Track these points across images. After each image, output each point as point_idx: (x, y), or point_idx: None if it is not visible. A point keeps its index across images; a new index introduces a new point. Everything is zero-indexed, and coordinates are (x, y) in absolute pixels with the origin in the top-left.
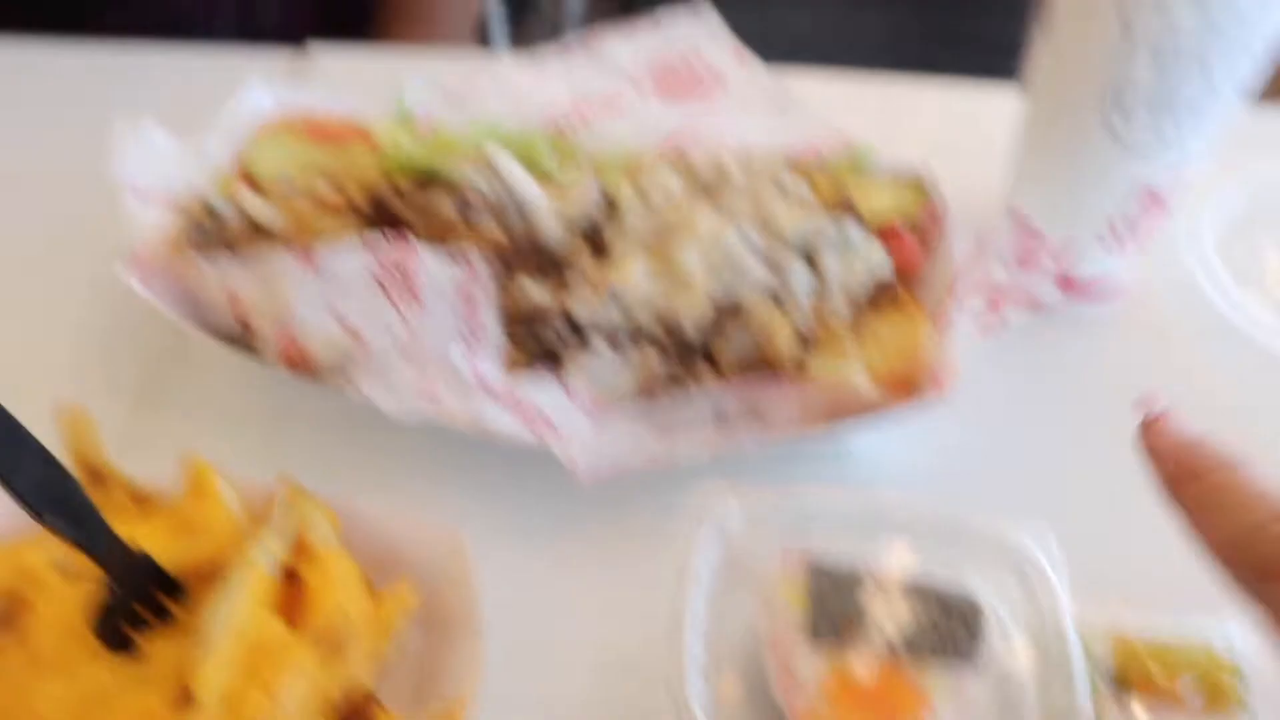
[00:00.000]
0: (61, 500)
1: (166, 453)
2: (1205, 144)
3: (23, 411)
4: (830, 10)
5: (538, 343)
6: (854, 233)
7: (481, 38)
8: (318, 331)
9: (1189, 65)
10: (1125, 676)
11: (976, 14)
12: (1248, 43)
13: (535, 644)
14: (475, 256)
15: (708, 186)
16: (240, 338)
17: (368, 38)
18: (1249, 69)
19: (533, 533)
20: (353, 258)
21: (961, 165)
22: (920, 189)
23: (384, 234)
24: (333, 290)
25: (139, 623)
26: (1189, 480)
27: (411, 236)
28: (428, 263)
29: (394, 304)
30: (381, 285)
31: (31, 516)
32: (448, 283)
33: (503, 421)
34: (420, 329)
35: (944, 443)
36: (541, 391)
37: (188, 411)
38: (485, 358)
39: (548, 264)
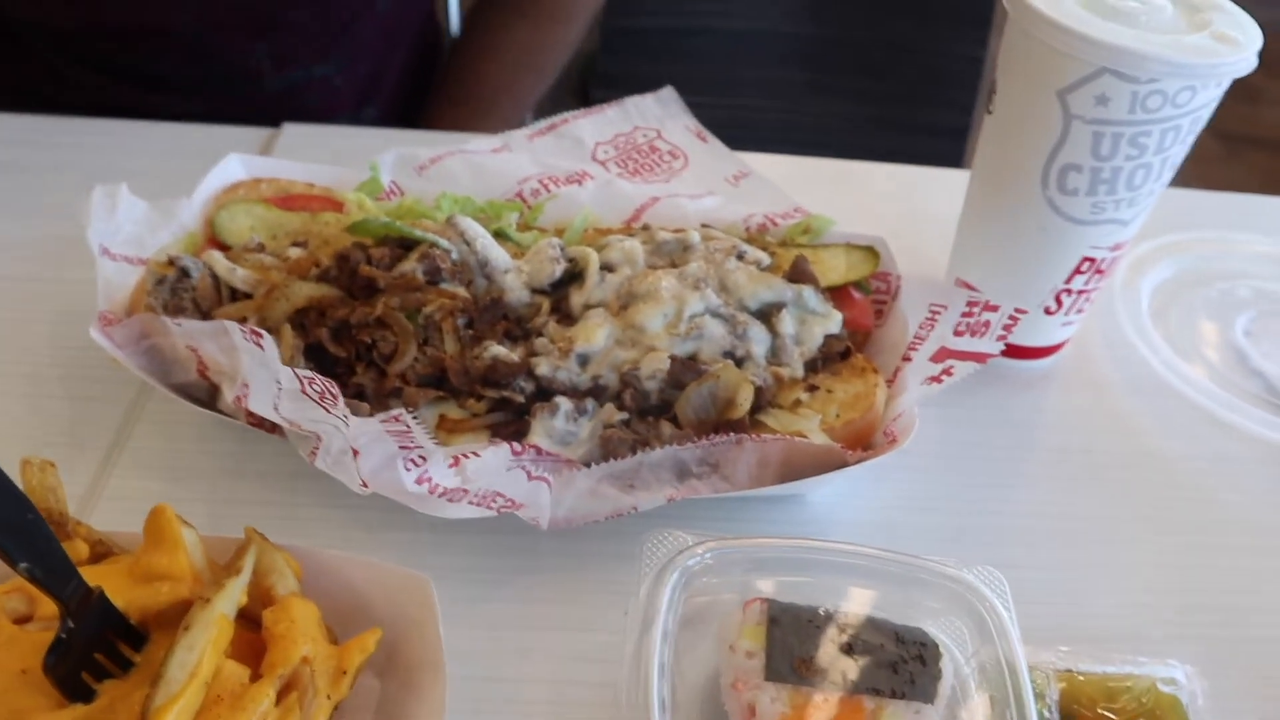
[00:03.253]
0: (36, 547)
1: (134, 505)
2: (1141, 216)
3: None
4: (795, 99)
5: (503, 402)
6: (810, 297)
7: None
8: (265, 409)
9: (1125, 146)
10: (1070, 712)
11: (932, 106)
12: (1178, 125)
13: (499, 689)
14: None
15: (670, 255)
16: (206, 394)
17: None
18: (1179, 148)
19: (497, 581)
20: (286, 373)
21: (913, 240)
22: (873, 256)
23: (312, 370)
24: (275, 382)
25: (99, 670)
26: None
27: (337, 390)
28: (351, 422)
29: (335, 415)
30: (317, 402)
31: (7, 563)
32: (377, 430)
33: (460, 512)
34: (355, 455)
35: (897, 491)
36: (495, 474)
37: (155, 466)
38: (431, 467)
39: (513, 326)
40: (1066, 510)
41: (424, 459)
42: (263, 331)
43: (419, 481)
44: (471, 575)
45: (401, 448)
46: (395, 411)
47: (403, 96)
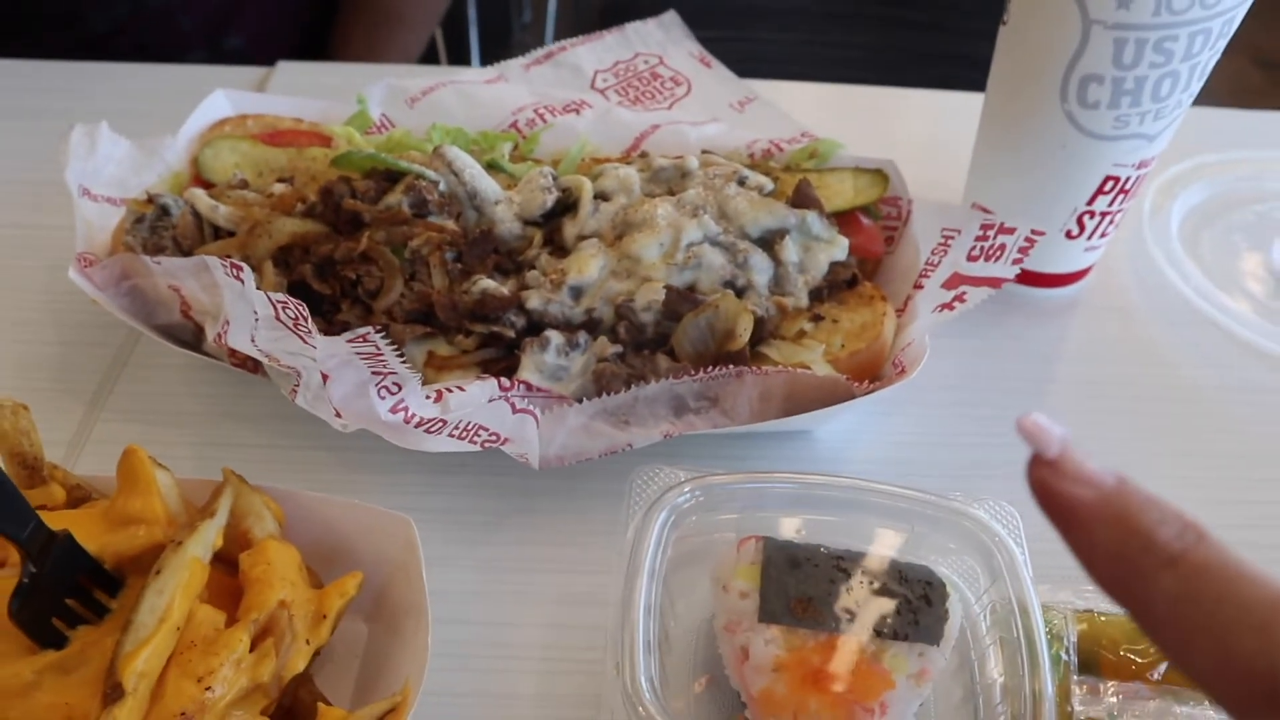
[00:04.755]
0: None
1: (120, 450)
2: (1168, 131)
3: None
4: (810, 30)
5: (493, 338)
6: (815, 222)
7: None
8: (246, 345)
9: (1150, 53)
10: (1091, 654)
11: (960, 36)
12: (1207, 28)
13: (489, 632)
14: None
15: (668, 182)
16: (191, 335)
17: (331, 56)
18: (1208, 55)
19: (489, 524)
20: (261, 298)
21: (926, 164)
22: (882, 180)
23: (288, 294)
24: (254, 315)
25: (72, 617)
26: (1138, 581)
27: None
28: (319, 343)
29: (306, 342)
30: (290, 330)
31: None
32: (342, 351)
33: (441, 444)
34: (326, 381)
35: (908, 427)
36: (477, 406)
37: (142, 410)
38: (407, 395)
39: (503, 259)
40: (1090, 445)
41: (399, 386)
42: (242, 264)
43: (394, 410)
44: (463, 517)
45: (373, 373)
46: (363, 330)
47: (287, 27)
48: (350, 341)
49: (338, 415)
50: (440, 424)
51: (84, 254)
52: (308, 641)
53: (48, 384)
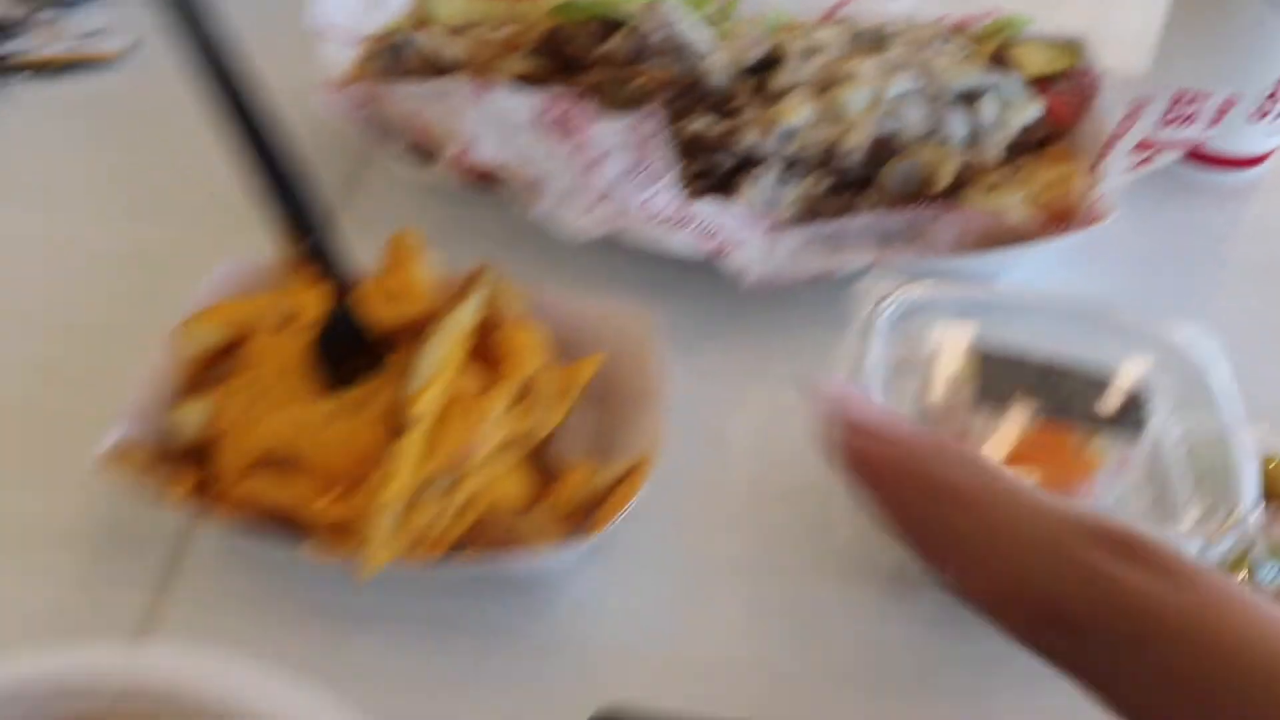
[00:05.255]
0: (320, 227)
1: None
2: None
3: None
4: None
5: (709, 174)
6: (1011, 84)
7: None
8: (492, 157)
9: None
10: (1273, 495)
11: None
12: None
13: (702, 433)
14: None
15: (869, 44)
16: (420, 158)
17: None
18: None
19: (705, 334)
20: (523, 101)
21: (1112, 45)
22: (1075, 51)
23: (554, 87)
24: (504, 127)
25: (354, 369)
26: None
27: (579, 95)
28: (595, 120)
29: (562, 145)
30: (550, 129)
31: (292, 239)
32: (616, 134)
33: (679, 242)
34: (589, 170)
35: (1093, 283)
36: (713, 210)
37: (374, 233)
38: (658, 192)
39: (716, 106)
40: (1262, 332)
41: (657, 177)
42: (492, 82)
43: (648, 202)
44: (679, 329)
45: (638, 160)
46: (649, 109)
47: None
48: (631, 124)
49: (588, 213)
50: (686, 220)
51: (329, 81)
52: (556, 411)
53: None
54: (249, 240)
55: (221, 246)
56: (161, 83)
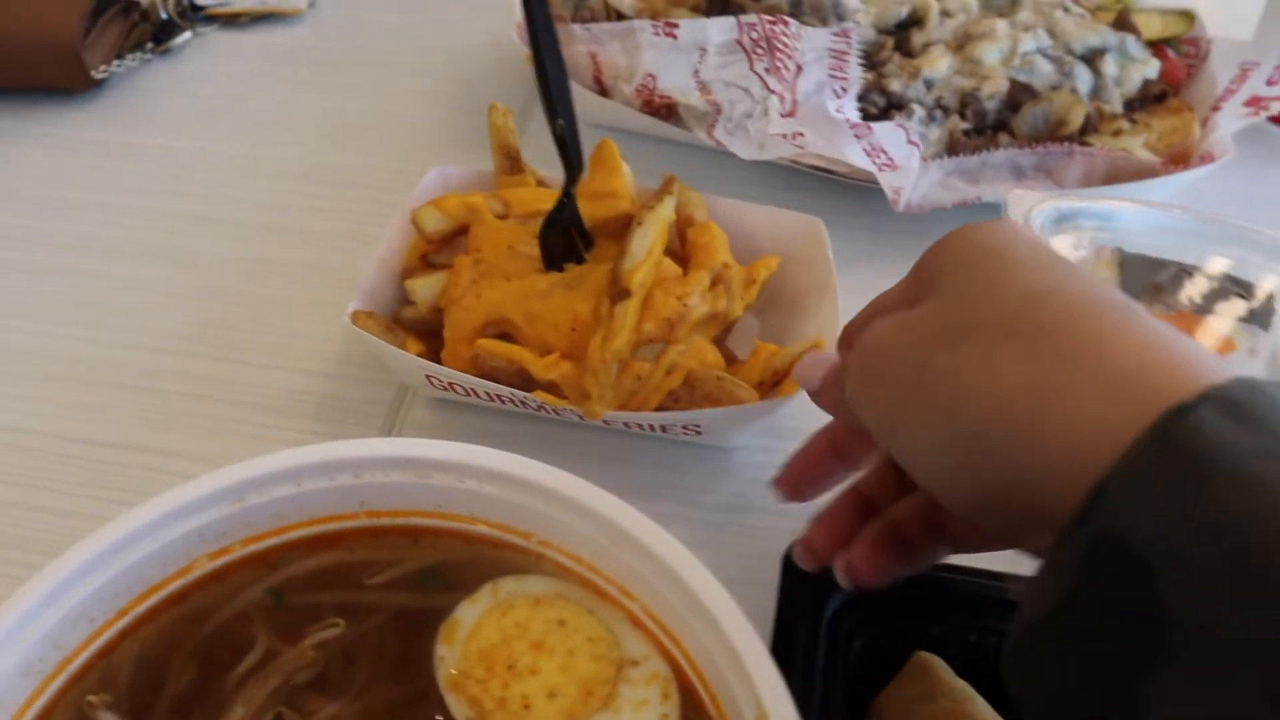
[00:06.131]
0: (569, 115)
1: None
2: None
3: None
4: None
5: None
6: (1132, 44)
7: None
8: (677, 91)
9: None
10: None
11: None
12: None
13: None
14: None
15: (999, 7)
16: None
17: None
18: None
19: (852, 256)
20: (718, 29)
21: (1218, 17)
22: (1188, 19)
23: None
24: (690, 56)
25: (566, 254)
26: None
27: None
28: (799, 34)
29: (757, 68)
30: (747, 53)
31: (550, 116)
32: (821, 45)
33: (855, 153)
34: (789, 85)
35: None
36: (885, 131)
37: (545, 160)
38: (847, 101)
39: (864, 58)
40: None
41: (845, 90)
42: (677, 21)
43: (838, 110)
44: (835, 248)
45: (832, 73)
46: (847, 25)
47: None
48: (834, 35)
49: (766, 136)
50: (866, 130)
51: (521, 24)
52: (743, 296)
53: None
54: (425, 165)
55: (403, 171)
56: (341, 34)
